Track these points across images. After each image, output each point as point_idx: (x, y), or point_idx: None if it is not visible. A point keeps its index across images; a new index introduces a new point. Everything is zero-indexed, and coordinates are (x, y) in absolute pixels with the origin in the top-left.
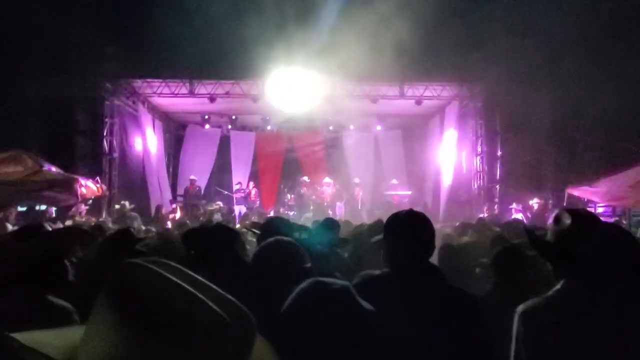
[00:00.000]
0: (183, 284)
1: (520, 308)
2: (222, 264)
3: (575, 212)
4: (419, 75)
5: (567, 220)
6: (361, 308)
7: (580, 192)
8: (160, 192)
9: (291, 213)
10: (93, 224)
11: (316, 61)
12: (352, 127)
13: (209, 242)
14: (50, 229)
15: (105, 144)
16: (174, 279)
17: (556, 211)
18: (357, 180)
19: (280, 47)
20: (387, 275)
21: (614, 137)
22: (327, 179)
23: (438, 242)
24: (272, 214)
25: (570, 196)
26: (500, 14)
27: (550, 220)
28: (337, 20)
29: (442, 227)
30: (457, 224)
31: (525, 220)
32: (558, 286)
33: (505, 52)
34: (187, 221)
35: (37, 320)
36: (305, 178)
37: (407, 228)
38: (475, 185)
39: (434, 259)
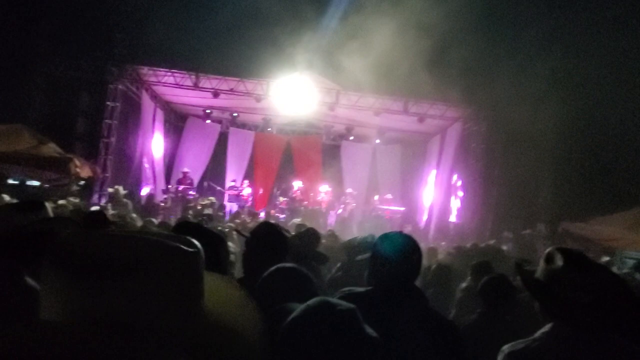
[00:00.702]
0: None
1: (506, 348)
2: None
3: (569, 253)
4: (424, 92)
5: (560, 262)
6: (365, 333)
7: (574, 228)
8: (154, 181)
9: (281, 216)
10: (85, 207)
11: (322, 68)
12: (351, 137)
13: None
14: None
15: (105, 127)
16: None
17: (549, 249)
18: (350, 190)
19: (289, 51)
20: (370, 293)
21: (614, 178)
22: (325, 187)
23: (430, 261)
24: (262, 215)
25: (564, 231)
26: (513, 40)
27: (542, 258)
28: (348, 30)
29: (434, 246)
30: (453, 246)
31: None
32: (547, 329)
33: (512, 80)
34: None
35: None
36: (300, 183)
37: (397, 250)
38: (469, 210)
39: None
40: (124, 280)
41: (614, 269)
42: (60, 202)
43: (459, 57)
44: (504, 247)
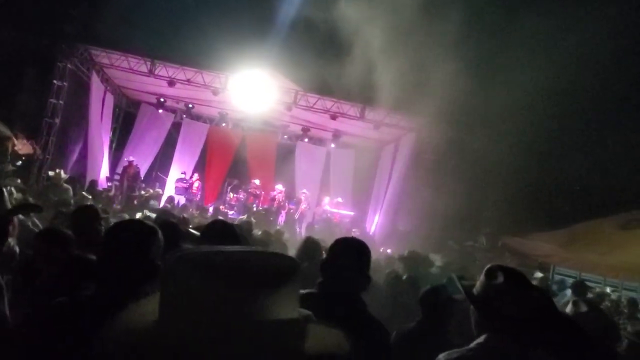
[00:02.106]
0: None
1: (442, 357)
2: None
3: (510, 271)
4: (381, 100)
5: (501, 278)
6: None
7: (513, 242)
8: (98, 167)
9: (230, 212)
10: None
11: (282, 67)
12: (307, 139)
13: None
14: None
15: (49, 107)
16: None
17: (490, 265)
18: (305, 191)
19: (250, 46)
20: (311, 296)
21: (552, 197)
22: (279, 186)
23: (385, 268)
24: (211, 210)
25: (504, 245)
26: (469, 59)
27: (483, 273)
28: (312, 33)
29: (381, 253)
30: (406, 252)
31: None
32: (481, 340)
33: (466, 97)
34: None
35: None
36: (257, 181)
37: (349, 254)
38: (416, 218)
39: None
40: (276, 289)
41: (549, 285)
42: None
43: (417, 69)
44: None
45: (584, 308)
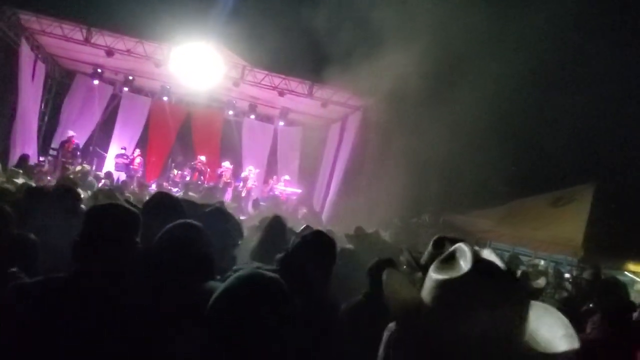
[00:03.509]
0: None
1: (392, 326)
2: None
3: (455, 240)
4: (329, 78)
5: (448, 246)
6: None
7: (454, 219)
8: (27, 141)
9: (174, 189)
10: None
11: (229, 42)
12: (253, 116)
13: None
14: None
15: None
16: None
17: (436, 236)
18: (251, 168)
19: (195, 17)
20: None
21: (492, 176)
22: (226, 164)
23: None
24: (154, 187)
25: (445, 221)
26: (417, 35)
27: (430, 244)
28: (259, 6)
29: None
30: (354, 228)
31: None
32: None
33: (411, 74)
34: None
35: None
36: (203, 158)
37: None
38: (362, 196)
39: None
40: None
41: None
42: None
43: (364, 47)
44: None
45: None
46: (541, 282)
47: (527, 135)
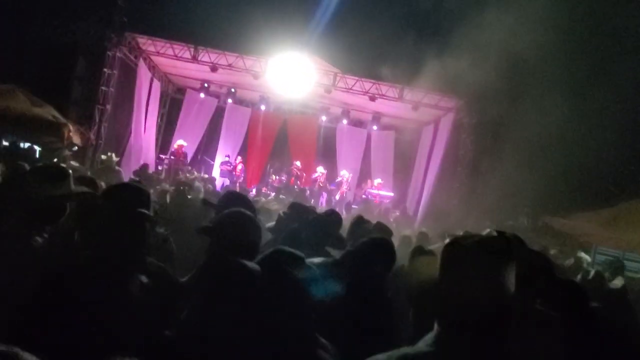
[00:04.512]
0: None
1: None
2: None
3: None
4: (420, 81)
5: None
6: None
7: (554, 222)
8: (146, 151)
9: (272, 194)
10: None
11: (321, 50)
12: (346, 121)
13: None
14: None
15: (100, 94)
16: None
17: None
18: (345, 173)
19: (288, 30)
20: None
21: (595, 176)
22: (320, 168)
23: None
24: (254, 191)
25: (545, 224)
26: (508, 35)
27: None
28: (348, 15)
29: (424, 231)
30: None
31: None
32: None
33: (504, 75)
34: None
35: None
36: (298, 163)
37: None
38: (456, 198)
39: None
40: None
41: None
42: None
43: (455, 48)
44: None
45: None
46: (618, 282)
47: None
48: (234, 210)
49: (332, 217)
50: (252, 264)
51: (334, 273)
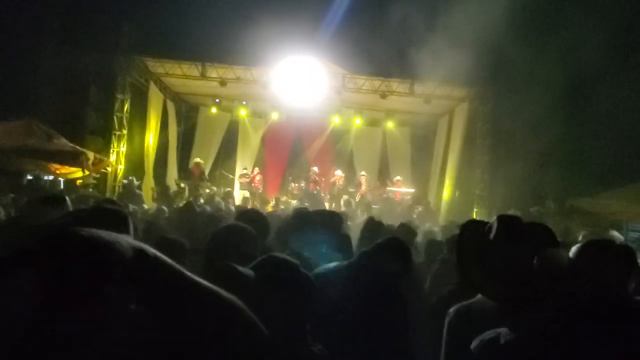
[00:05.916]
0: None
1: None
2: None
3: None
4: (429, 73)
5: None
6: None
7: (581, 203)
8: (166, 172)
9: (294, 201)
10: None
11: (326, 53)
12: (360, 121)
13: None
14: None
15: (116, 120)
16: None
17: None
18: (364, 174)
19: (292, 36)
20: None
21: (618, 153)
22: (338, 172)
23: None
24: (274, 201)
25: (571, 207)
26: (514, 20)
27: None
28: (348, 14)
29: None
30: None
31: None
32: None
33: (516, 58)
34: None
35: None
36: (315, 169)
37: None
38: (477, 189)
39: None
40: None
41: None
42: (82, 191)
43: (462, 36)
44: None
45: None
46: None
47: None
48: (230, 224)
49: (333, 217)
50: (245, 269)
51: (349, 276)
